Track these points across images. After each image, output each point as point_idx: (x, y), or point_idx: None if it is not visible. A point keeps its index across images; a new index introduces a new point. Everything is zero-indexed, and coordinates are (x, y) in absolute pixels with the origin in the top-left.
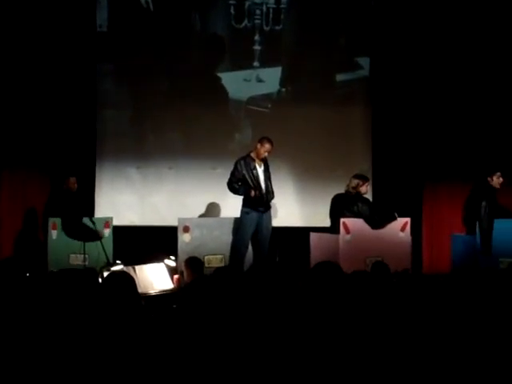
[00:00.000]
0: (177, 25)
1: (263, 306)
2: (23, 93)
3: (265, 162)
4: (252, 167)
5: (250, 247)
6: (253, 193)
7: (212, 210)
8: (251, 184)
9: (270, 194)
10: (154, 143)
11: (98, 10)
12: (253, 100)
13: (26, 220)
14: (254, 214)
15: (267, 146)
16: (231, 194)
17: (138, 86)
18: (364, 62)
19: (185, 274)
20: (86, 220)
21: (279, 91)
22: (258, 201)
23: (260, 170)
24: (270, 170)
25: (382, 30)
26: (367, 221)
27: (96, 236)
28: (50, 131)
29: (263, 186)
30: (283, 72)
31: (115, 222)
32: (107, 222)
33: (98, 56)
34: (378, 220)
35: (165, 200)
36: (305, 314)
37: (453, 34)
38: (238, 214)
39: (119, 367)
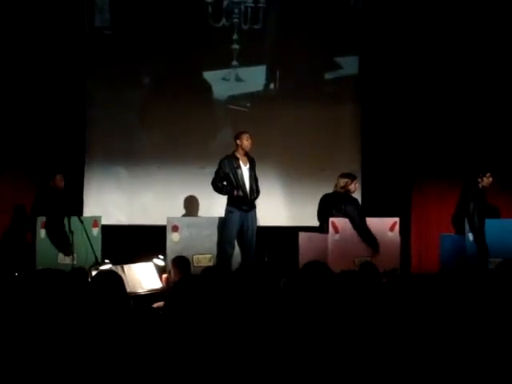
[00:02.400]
0: (156, 24)
1: (251, 306)
2: (12, 92)
3: (251, 160)
4: (236, 166)
5: (237, 247)
6: (235, 192)
7: (201, 209)
8: (234, 183)
9: (254, 193)
10: (142, 142)
11: (86, 13)
12: (234, 99)
13: (14, 219)
14: (237, 213)
15: (246, 135)
16: (220, 194)
17: (125, 86)
18: (353, 60)
19: (172, 273)
20: (73, 220)
21: (264, 90)
22: (241, 200)
23: (245, 169)
24: (257, 169)
25: (370, 27)
26: (352, 222)
27: (66, 249)
28: (38, 130)
29: (247, 184)
30: (267, 71)
31: (104, 221)
32: (95, 220)
33: (86, 57)
34: (362, 224)
35: (154, 199)
36: (293, 313)
37: (441, 32)
38: None
39: (107, 367)
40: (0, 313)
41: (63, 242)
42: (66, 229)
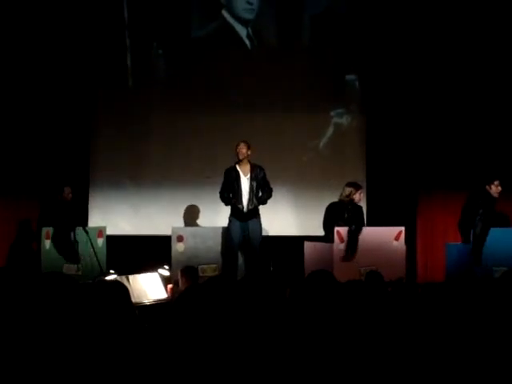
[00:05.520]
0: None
1: (256, 316)
2: (20, 103)
3: (253, 169)
4: (234, 176)
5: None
6: (233, 200)
7: (206, 219)
8: (232, 193)
9: (251, 202)
10: (147, 153)
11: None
12: (240, 110)
13: (20, 230)
14: (237, 223)
15: (239, 144)
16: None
17: (130, 96)
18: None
19: (180, 282)
20: (78, 231)
21: (269, 101)
22: (238, 210)
23: (244, 179)
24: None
25: (371, 40)
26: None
27: (75, 258)
28: (44, 141)
29: (245, 194)
30: (274, 81)
31: (109, 232)
32: (100, 230)
33: (95, 69)
34: (356, 230)
35: (158, 209)
36: (299, 323)
37: (447, 39)
38: None
39: (113, 377)
40: (5, 321)
41: (69, 251)
42: (72, 239)
